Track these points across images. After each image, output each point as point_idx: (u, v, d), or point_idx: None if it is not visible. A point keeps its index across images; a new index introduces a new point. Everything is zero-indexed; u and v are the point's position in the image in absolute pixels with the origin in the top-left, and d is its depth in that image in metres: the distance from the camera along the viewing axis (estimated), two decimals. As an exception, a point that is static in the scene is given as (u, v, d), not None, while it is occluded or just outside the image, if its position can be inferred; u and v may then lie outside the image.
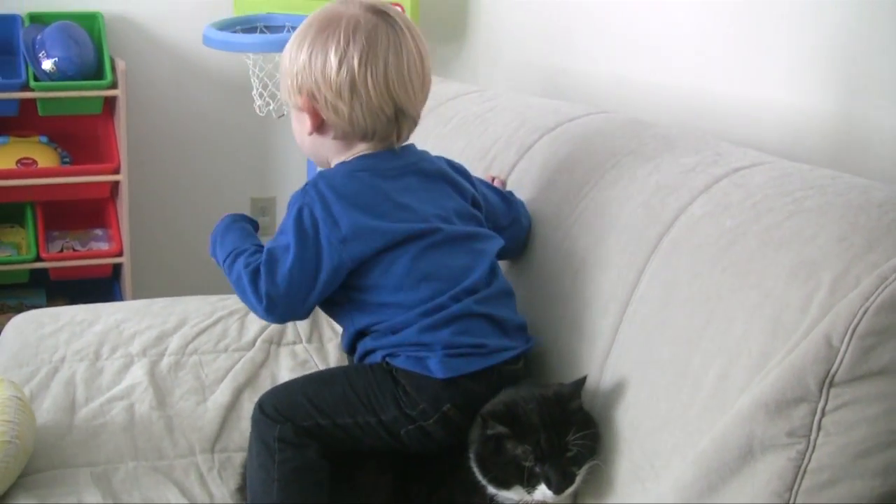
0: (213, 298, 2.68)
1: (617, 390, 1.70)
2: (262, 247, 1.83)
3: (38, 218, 3.52)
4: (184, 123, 3.88)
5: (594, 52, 2.73)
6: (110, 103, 3.53)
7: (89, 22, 3.57)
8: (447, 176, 1.91)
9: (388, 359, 1.79)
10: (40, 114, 3.46)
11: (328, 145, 1.88)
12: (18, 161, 3.45)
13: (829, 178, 1.63)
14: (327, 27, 1.80)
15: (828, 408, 1.34)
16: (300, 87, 1.82)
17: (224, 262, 1.87)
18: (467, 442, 1.72)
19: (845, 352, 1.33)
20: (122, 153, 3.46)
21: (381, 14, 1.81)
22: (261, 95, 3.29)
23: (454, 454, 1.75)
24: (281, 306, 1.79)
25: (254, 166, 4.07)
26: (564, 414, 1.67)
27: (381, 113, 1.80)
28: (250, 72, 3.26)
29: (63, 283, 3.59)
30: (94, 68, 3.47)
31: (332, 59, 1.77)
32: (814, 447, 1.35)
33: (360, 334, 1.85)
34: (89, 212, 3.69)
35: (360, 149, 1.86)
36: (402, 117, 1.83)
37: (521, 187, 2.09)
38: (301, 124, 1.88)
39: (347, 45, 1.77)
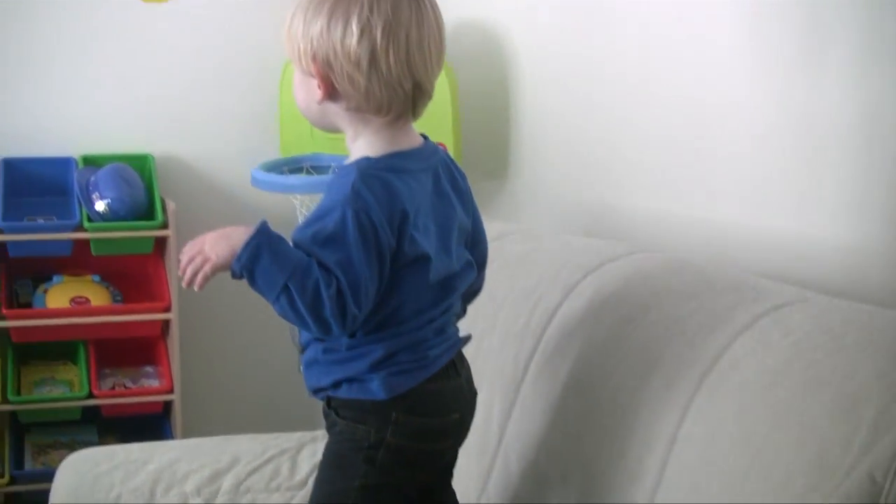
0: (264, 437, 2.71)
1: (668, 529, 1.72)
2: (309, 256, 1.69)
3: (91, 355, 3.55)
4: (233, 262, 3.92)
5: (636, 188, 2.75)
6: (161, 243, 3.58)
7: (140, 163, 3.65)
8: (455, 182, 1.89)
9: (335, 386, 1.81)
10: (93, 253, 3.50)
11: (340, 115, 1.78)
12: (72, 300, 3.50)
13: (868, 314, 1.67)
14: None
15: (876, 546, 1.36)
16: (314, 53, 1.72)
17: (293, 274, 1.67)
18: None
19: (890, 487, 1.35)
20: (172, 292, 3.51)
21: None
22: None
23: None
24: (358, 321, 1.73)
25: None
26: None
27: (398, 87, 1.72)
28: (297, 211, 3.32)
29: (114, 420, 3.62)
30: (145, 209, 3.53)
31: (354, 28, 1.68)
32: (862, 586, 1.37)
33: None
34: (140, 349, 3.71)
35: (376, 126, 1.77)
36: (417, 92, 1.75)
37: (567, 327, 2.12)
38: (308, 91, 1.78)
39: (371, 13, 1.69)
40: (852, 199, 2.08)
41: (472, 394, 1.93)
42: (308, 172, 3.29)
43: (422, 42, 1.72)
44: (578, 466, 1.94)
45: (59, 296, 3.51)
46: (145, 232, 3.51)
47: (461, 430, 1.91)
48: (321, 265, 1.67)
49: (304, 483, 2.48)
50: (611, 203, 2.86)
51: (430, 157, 1.84)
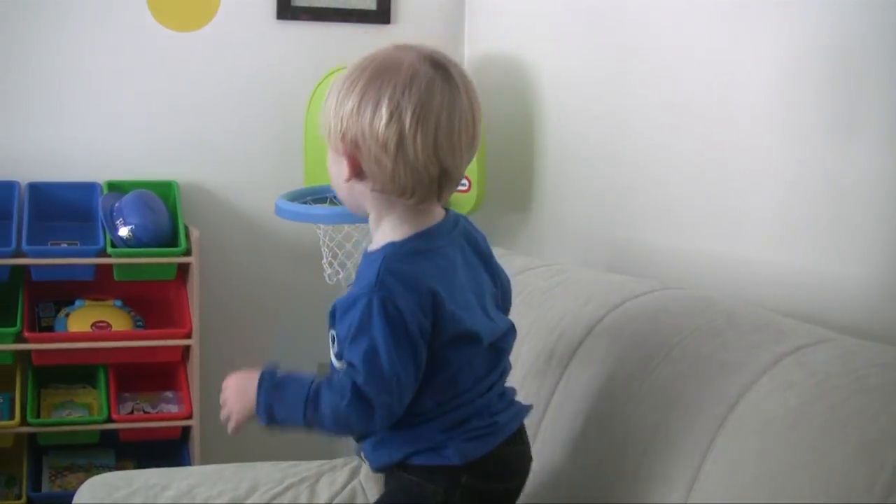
0: (284, 465, 2.70)
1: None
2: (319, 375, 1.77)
3: (111, 380, 3.56)
4: (255, 290, 3.94)
5: (659, 225, 2.76)
6: (184, 269, 3.59)
7: (165, 190, 3.67)
8: (478, 248, 1.90)
9: (405, 460, 1.82)
10: (116, 279, 3.52)
11: (365, 195, 1.79)
12: (93, 324, 3.51)
13: (893, 356, 1.67)
14: (382, 74, 1.71)
15: (896, 589, 1.36)
16: (344, 133, 1.73)
17: (305, 410, 1.74)
18: None
19: (912, 531, 1.35)
20: (193, 318, 3.51)
21: (438, 67, 1.73)
22: (330, 264, 3.36)
23: None
24: (397, 408, 1.73)
25: (322, 333, 4.05)
26: None
27: (424, 173, 1.71)
28: (321, 241, 3.34)
29: (132, 445, 3.62)
30: (168, 235, 3.54)
31: (384, 111, 1.68)
32: None
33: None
34: (160, 374, 3.72)
35: (400, 210, 1.78)
36: (444, 179, 1.75)
37: (589, 364, 2.13)
38: (338, 168, 1.79)
39: (402, 97, 1.68)
40: (876, 240, 2.09)
41: (530, 459, 1.95)
42: (332, 203, 3.29)
43: (451, 128, 1.71)
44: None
45: (80, 320, 3.52)
46: (168, 259, 3.52)
47: (518, 493, 1.93)
48: (349, 364, 1.73)
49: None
50: (634, 239, 2.87)
51: (453, 230, 1.85)
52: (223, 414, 1.89)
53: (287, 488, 2.56)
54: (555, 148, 3.27)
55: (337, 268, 3.35)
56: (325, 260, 3.37)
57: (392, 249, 1.76)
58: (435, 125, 1.69)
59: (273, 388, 1.80)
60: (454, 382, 1.80)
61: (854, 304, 2.14)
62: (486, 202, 3.40)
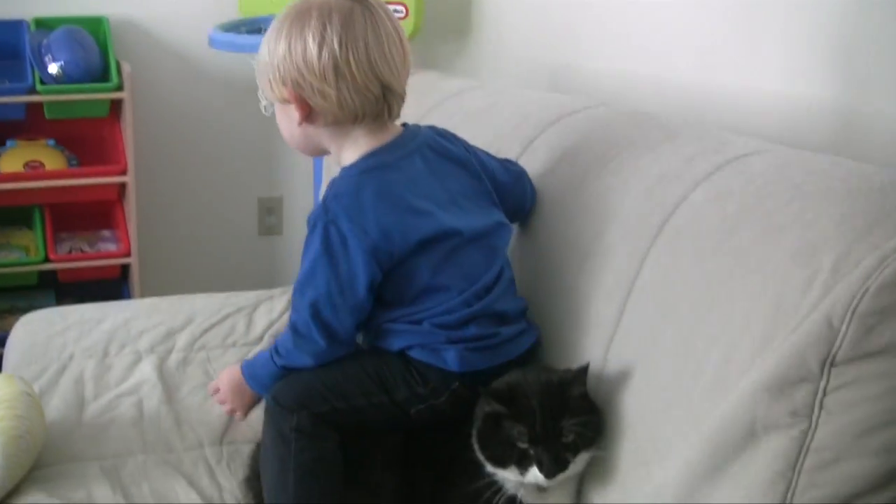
0: (221, 296, 2.69)
1: (621, 377, 1.71)
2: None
3: (47, 220, 3.52)
4: (190, 124, 3.89)
5: (597, 47, 2.74)
6: (116, 106, 3.54)
7: (94, 26, 3.58)
8: (448, 153, 1.92)
9: (405, 350, 1.82)
10: (47, 117, 3.47)
11: (320, 133, 1.86)
12: (26, 164, 3.46)
13: (830, 164, 1.64)
14: (302, 15, 1.78)
15: (829, 387, 1.34)
16: (283, 78, 1.81)
17: (276, 361, 1.86)
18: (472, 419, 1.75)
19: (846, 332, 1.33)
20: (128, 155, 3.47)
21: (355, 0, 1.80)
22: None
23: (459, 439, 1.76)
24: (340, 328, 1.80)
25: (261, 166, 4.06)
26: (564, 399, 1.68)
27: (367, 92, 1.78)
28: (255, 72, 3.27)
29: (72, 286, 3.60)
30: (99, 72, 3.48)
31: (312, 45, 1.75)
32: (816, 426, 1.35)
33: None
34: (97, 213, 3.69)
35: (356, 135, 1.85)
36: (389, 94, 1.81)
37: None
38: (288, 118, 1.88)
39: (324, 28, 1.75)
40: (799, 55, 2.10)
41: None
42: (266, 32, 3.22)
43: (381, 45, 1.78)
44: (536, 318, 1.94)
45: (12, 160, 3.48)
46: (100, 94, 3.47)
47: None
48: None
49: (260, 339, 2.48)
50: (575, 64, 2.84)
51: (409, 143, 1.88)
52: (226, 411, 2.04)
53: (224, 318, 2.56)
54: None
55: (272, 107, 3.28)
56: (260, 91, 3.30)
57: (342, 173, 1.84)
58: (364, 45, 1.76)
59: (253, 370, 1.94)
60: (438, 282, 1.81)
61: (786, 119, 2.15)
62: (425, 29, 3.33)
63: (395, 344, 1.83)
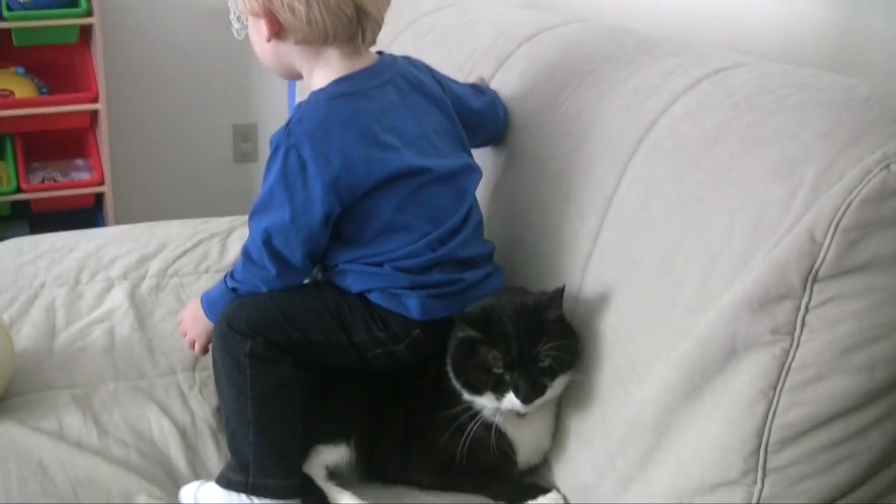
0: (195, 222, 2.66)
1: (598, 296, 1.69)
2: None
3: (18, 150, 3.49)
4: (162, 50, 3.83)
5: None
6: (86, 32, 3.49)
7: (63, -50, 3.51)
8: (423, 87, 1.86)
9: (364, 294, 1.77)
10: (16, 44, 3.42)
11: (291, 52, 1.79)
12: (-5, 92, 3.42)
13: (813, 77, 1.61)
14: None
15: (812, 304, 1.33)
16: None
17: (228, 283, 1.83)
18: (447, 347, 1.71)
19: (829, 246, 1.31)
20: (100, 82, 3.43)
21: None
22: (238, 19, 3.23)
23: (432, 369, 1.75)
24: (292, 262, 1.75)
25: (235, 92, 4.02)
26: (540, 323, 1.66)
27: (340, 12, 1.71)
28: (225, -4, 3.22)
29: (46, 215, 3.57)
30: (68, -3, 3.43)
31: None
32: (798, 344, 1.34)
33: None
34: (69, 142, 3.66)
35: (328, 57, 1.78)
36: (363, 17, 1.74)
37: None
38: (259, 33, 1.81)
39: None
40: None
41: None
42: (238, -47, 3.16)
43: None
44: (511, 240, 1.91)
45: (-19, 88, 3.42)
46: (69, 20, 3.43)
47: None
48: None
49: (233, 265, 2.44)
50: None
51: (384, 72, 1.82)
52: (186, 342, 1.98)
53: (197, 244, 2.53)
54: None
55: (245, 22, 3.22)
56: (232, 15, 3.24)
57: (310, 97, 1.78)
58: None
59: (209, 299, 1.89)
60: (401, 221, 1.76)
61: (775, 36, 2.12)
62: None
63: (355, 286, 1.78)
